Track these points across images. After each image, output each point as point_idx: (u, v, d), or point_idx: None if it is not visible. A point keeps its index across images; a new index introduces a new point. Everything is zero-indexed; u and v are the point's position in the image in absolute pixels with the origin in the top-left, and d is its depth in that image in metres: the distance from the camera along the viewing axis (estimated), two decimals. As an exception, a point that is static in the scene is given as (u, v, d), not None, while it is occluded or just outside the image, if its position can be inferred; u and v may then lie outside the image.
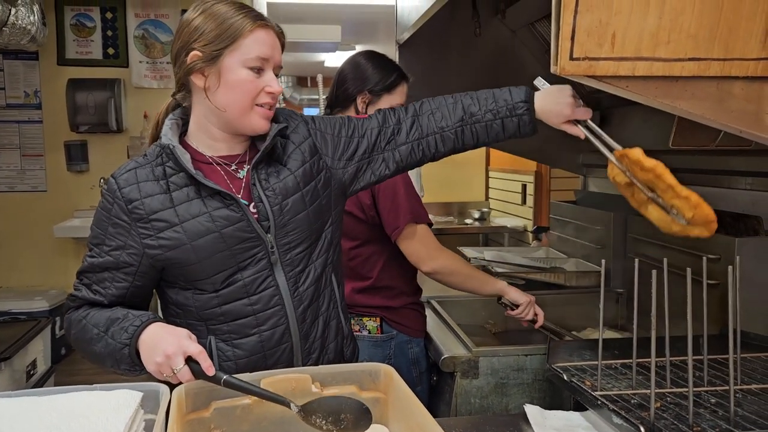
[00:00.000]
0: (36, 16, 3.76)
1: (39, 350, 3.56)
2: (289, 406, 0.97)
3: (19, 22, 3.58)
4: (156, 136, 1.24)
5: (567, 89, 1.23)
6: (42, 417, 0.92)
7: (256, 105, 1.17)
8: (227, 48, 1.13)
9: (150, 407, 0.99)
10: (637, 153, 1.15)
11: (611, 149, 1.21)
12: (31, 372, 3.45)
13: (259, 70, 1.15)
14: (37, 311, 3.96)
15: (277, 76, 1.20)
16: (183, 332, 1.06)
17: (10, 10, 3.47)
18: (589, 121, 1.24)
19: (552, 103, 1.24)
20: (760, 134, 1.16)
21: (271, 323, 1.22)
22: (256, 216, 1.19)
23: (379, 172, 1.32)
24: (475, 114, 1.28)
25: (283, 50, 1.22)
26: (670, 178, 1.12)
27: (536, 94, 1.26)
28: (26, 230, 4.45)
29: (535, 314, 1.80)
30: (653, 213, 1.23)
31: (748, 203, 1.67)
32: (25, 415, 0.93)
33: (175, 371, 1.00)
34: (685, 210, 1.12)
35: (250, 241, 1.18)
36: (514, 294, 1.80)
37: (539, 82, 1.28)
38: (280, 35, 1.21)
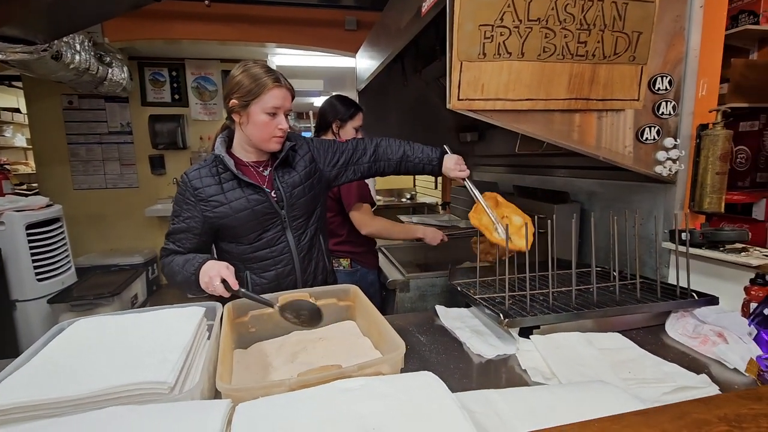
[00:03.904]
0: (125, 74, 3.54)
1: (138, 287, 3.45)
2: (272, 306, 0.97)
3: (114, 78, 3.37)
4: (213, 147, 1.22)
5: (461, 159, 1.31)
6: (142, 324, 0.92)
7: (272, 137, 1.15)
8: (253, 100, 1.11)
9: (210, 317, 0.99)
10: (494, 195, 1.28)
11: (476, 194, 1.27)
12: (134, 302, 3.34)
13: (274, 115, 1.13)
14: (136, 263, 3.82)
15: (287, 116, 1.17)
16: (223, 264, 1.03)
17: (107, 70, 3.26)
18: (467, 179, 1.29)
19: (452, 163, 1.29)
20: (569, 144, 1.21)
21: (283, 263, 1.22)
22: (275, 198, 1.19)
23: (350, 177, 1.34)
24: (410, 157, 1.34)
25: (293, 98, 1.19)
26: (506, 210, 1.24)
27: (445, 156, 1.31)
28: (127, 213, 4.23)
29: (441, 240, 1.86)
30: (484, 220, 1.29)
31: (561, 184, 1.74)
32: (132, 324, 0.92)
33: (214, 286, 0.99)
34: (512, 229, 1.19)
35: (270, 214, 1.18)
36: (430, 234, 1.84)
37: (447, 149, 1.34)
38: (290, 90, 1.16)
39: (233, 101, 1.12)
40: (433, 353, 1.02)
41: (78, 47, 2.79)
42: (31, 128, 4.08)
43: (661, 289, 1.15)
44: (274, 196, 1.19)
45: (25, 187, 4.79)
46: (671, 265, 1.30)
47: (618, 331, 1.05)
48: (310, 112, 5.10)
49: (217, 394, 0.79)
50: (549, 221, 1.12)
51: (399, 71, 2.25)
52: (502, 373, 0.93)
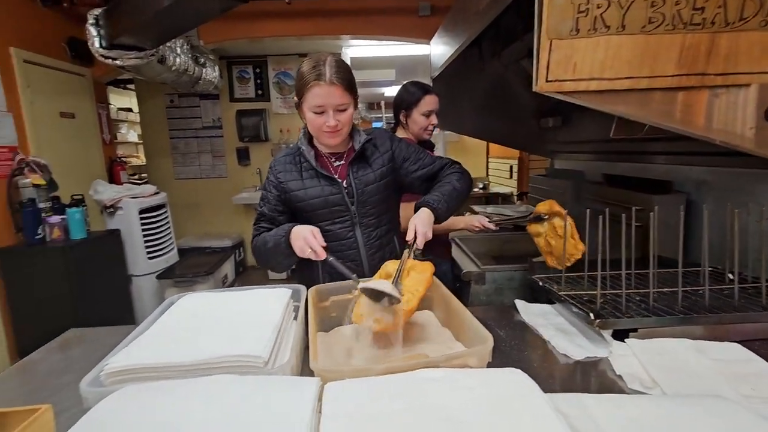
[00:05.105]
0: (216, 73, 3.86)
1: (228, 268, 3.79)
2: (351, 278, 0.97)
3: (207, 77, 3.69)
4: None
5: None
6: (238, 301, 0.99)
7: (322, 132, 1.14)
8: (301, 98, 1.12)
9: (295, 298, 1.04)
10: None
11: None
12: (224, 281, 3.67)
13: (320, 112, 1.10)
14: (225, 246, 4.18)
15: (344, 110, 1.11)
16: (308, 229, 1.06)
17: (202, 70, 3.58)
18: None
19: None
20: (672, 125, 1.07)
21: (350, 258, 1.22)
22: (347, 192, 1.20)
23: (423, 192, 1.26)
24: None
25: (349, 89, 1.10)
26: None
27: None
28: (217, 200, 4.63)
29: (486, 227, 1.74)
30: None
31: (663, 173, 1.55)
32: (229, 300, 1.00)
33: (306, 253, 1.04)
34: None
35: (341, 206, 1.20)
36: (469, 222, 1.76)
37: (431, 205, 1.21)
38: (338, 84, 1.07)
39: (294, 98, 1.16)
40: (515, 350, 0.98)
41: (178, 50, 3.09)
42: (142, 125, 4.65)
43: (795, 295, 0.98)
44: (347, 189, 1.20)
45: (136, 177, 5.48)
46: (807, 267, 1.09)
47: (735, 341, 0.91)
48: (382, 102, 5.15)
49: (302, 372, 0.84)
50: (651, 214, 1.01)
51: (476, 55, 2.15)
52: (591, 377, 0.86)
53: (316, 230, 1.06)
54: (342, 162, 1.23)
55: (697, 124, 1.07)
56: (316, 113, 1.11)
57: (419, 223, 1.07)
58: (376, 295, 0.91)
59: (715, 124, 1.07)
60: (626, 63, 1.01)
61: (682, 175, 1.47)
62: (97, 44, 2.45)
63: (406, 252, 1.02)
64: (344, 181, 1.21)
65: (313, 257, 1.03)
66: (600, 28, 0.98)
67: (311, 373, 0.70)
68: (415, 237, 1.05)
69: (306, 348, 0.89)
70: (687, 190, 1.43)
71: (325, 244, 1.04)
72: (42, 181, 2.52)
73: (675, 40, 0.99)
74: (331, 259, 1.02)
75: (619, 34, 0.99)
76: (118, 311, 2.86)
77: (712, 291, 1.03)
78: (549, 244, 1.30)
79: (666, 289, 1.08)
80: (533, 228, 1.36)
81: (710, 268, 1.16)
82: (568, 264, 1.20)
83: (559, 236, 1.25)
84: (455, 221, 1.82)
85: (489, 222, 1.75)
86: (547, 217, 1.33)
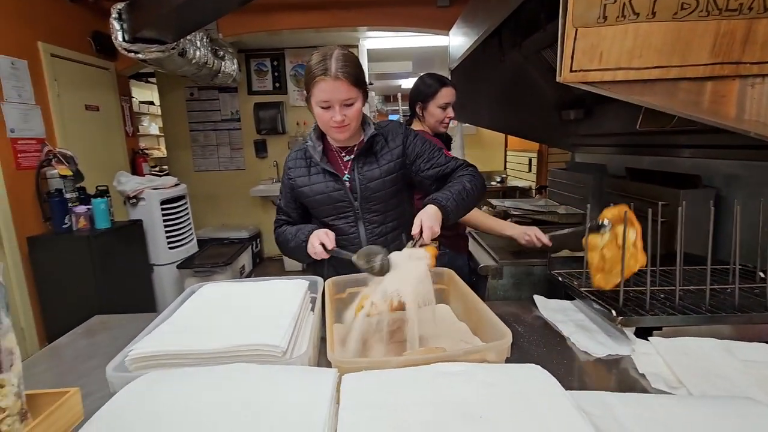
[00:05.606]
0: (235, 66, 3.88)
1: (245, 259, 3.84)
2: (350, 258, 0.99)
3: (226, 70, 3.71)
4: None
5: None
6: (256, 291, 1.00)
7: (330, 127, 1.12)
8: (309, 92, 1.10)
9: (312, 290, 1.04)
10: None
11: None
12: (242, 271, 3.73)
13: (326, 107, 1.08)
14: (243, 237, 4.23)
15: (350, 105, 1.08)
16: (323, 231, 1.13)
17: (221, 63, 3.61)
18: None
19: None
20: (701, 116, 1.03)
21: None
22: (350, 188, 1.19)
23: (432, 192, 1.21)
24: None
25: (356, 83, 1.07)
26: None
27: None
28: (235, 192, 4.68)
29: (539, 241, 1.54)
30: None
31: (690, 166, 1.50)
32: (248, 290, 1.01)
33: (315, 250, 1.10)
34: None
35: (344, 202, 1.20)
36: (520, 232, 1.59)
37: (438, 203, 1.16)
38: (343, 79, 1.03)
39: (303, 93, 1.18)
40: (533, 345, 0.96)
41: (198, 44, 3.12)
42: (163, 118, 4.73)
43: (832, 295, 0.93)
44: (350, 185, 1.19)
45: (157, 168, 5.61)
46: None
47: (766, 342, 0.88)
48: (399, 95, 5.11)
49: (319, 363, 0.85)
50: (679, 209, 0.97)
51: (495, 46, 2.11)
52: (613, 375, 0.84)
53: (330, 233, 1.13)
54: (351, 156, 1.22)
55: (728, 115, 1.03)
56: (322, 108, 1.09)
57: (426, 218, 1.01)
58: (369, 261, 0.95)
59: (748, 115, 1.03)
60: (656, 52, 0.96)
61: (711, 169, 1.41)
62: (120, 38, 2.50)
63: (409, 245, 0.98)
64: (349, 178, 1.20)
65: (320, 251, 1.09)
66: (629, 15, 0.94)
67: (328, 364, 0.70)
68: (421, 231, 1.00)
69: (322, 339, 0.89)
70: (716, 185, 1.38)
71: (334, 244, 1.10)
72: (69, 172, 2.59)
73: (709, 27, 0.95)
74: (335, 248, 1.08)
75: (648, 21, 0.95)
76: (140, 299, 2.94)
77: (741, 290, 0.99)
78: (603, 258, 1.04)
79: (693, 287, 1.04)
80: (593, 240, 1.08)
81: (740, 266, 1.12)
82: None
83: (618, 247, 1.01)
84: (503, 227, 1.65)
85: (543, 234, 1.51)
86: (609, 226, 1.06)
